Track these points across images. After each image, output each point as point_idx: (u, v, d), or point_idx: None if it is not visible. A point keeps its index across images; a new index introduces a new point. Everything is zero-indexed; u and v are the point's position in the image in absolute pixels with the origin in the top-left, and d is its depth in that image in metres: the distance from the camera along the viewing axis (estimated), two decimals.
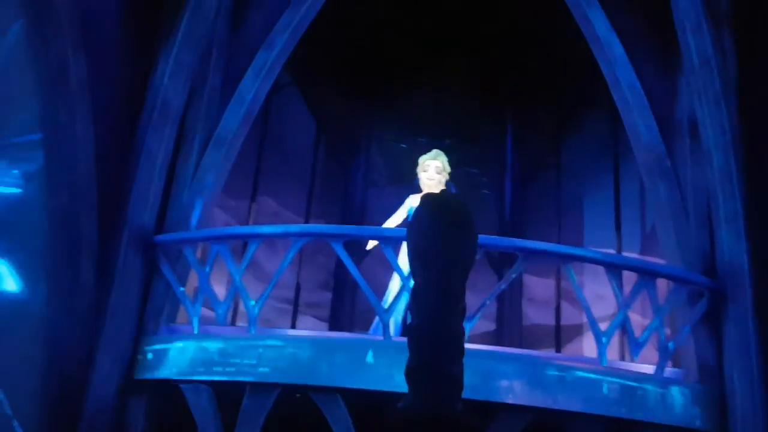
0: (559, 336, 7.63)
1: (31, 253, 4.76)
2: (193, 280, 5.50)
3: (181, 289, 5.02)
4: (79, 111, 4.88)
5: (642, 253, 6.95)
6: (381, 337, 4.54)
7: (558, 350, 7.53)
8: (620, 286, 4.69)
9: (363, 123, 9.23)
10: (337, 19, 8.02)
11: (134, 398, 4.87)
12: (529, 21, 7.99)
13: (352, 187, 9.20)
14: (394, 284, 5.60)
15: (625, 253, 7.09)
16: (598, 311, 5.12)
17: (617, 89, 5.94)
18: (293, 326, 7.70)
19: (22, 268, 4.87)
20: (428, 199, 2.31)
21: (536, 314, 8.25)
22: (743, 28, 5.64)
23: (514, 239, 4.63)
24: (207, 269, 4.87)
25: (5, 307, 5.12)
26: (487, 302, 4.52)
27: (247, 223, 7.70)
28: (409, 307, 2.24)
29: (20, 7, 4.52)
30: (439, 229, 2.07)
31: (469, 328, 4.38)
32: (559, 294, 7.66)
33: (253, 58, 6.04)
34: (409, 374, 2.02)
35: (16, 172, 5.24)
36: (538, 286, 8.59)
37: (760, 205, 5.11)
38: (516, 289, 8.30)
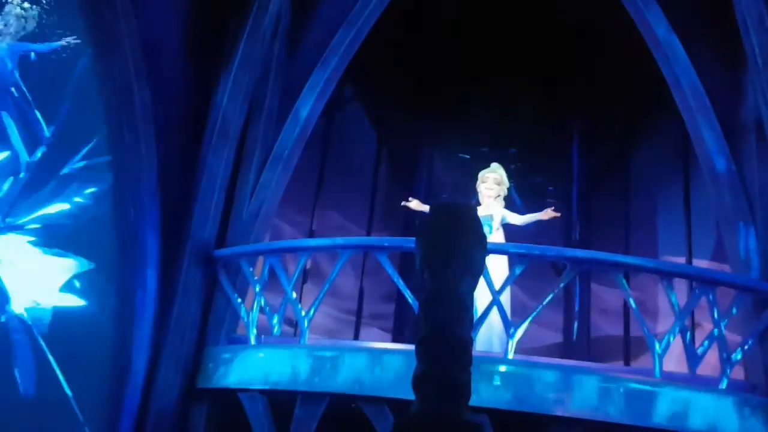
0: (628, 347, 7.38)
1: (100, 267, 5.07)
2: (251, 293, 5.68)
3: (239, 300, 5.20)
4: (143, 134, 5.19)
5: (713, 261, 6.66)
6: None
7: (627, 363, 7.29)
8: (686, 295, 4.54)
9: (425, 134, 9.28)
10: (398, 31, 8.18)
11: (196, 406, 5.08)
12: (595, 27, 7.85)
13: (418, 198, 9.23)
14: None
15: (695, 262, 6.81)
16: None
17: (679, 92, 5.77)
18: (356, 337, 7.80)
19: (92, 282, 5.18)
20: (437, 208, 2.35)
21: (606, 325, 8.02)
22: None
23: (561, 248, 4.57)
24: (261, 281, 5.04)
25: (76, 320, 5.47)
26: (537, 312, 4.44)
27: (312, 237, 7.87)
28: (419, 316, 2.30)
29: (87, 38, 4.85)
30: (447, 238, 2.09)
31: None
32: (625, 304, 7.39)
33: (308, 78, 6.22)
34: (417, 382, 2.06)
35: (87, 191, 5.61)
36: (610, 296, 8.35)
37: None
38: (585, 299, 8.11)
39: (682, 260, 7.01)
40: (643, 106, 8.11)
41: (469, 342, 2.03)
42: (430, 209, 2.25)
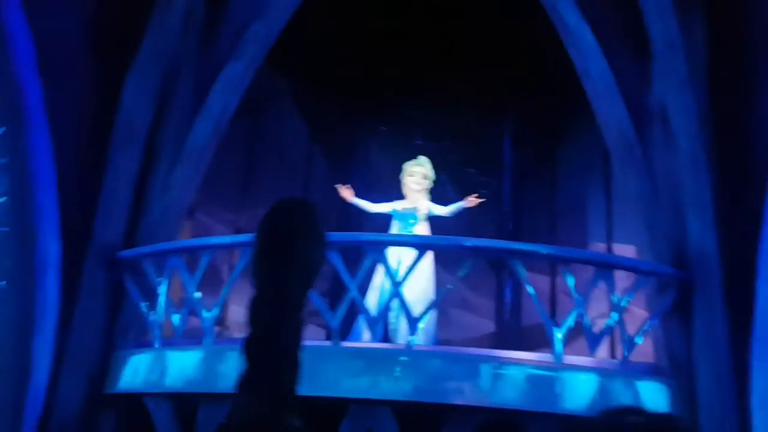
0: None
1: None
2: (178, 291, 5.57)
3: (143, 303, 5.08)
4: (39, 135, 5.02)
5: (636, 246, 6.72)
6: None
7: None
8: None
9: (358, 128, 9.23)
10: (330, 23, 8.10)
11: (103, 412, 4.96)
12: (525, 23, 7.87)
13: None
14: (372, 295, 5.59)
15: (616, 247, 6.88)
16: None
17: (587, 79, 5.80)
18: None
19: None
20: (273, 206, 2.27)
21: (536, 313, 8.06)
22: (714, 10, 5.42)
23: (458, 237, 4.54)
24: (165, 282, 4.93)
25: None
26: (436, 303, 4.41)
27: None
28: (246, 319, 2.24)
29: None
30: (280, 237, 2.03)
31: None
32: (554, 290, 7.44)
33: (221, 71, 6.10)
34: (240, 385, 2.01)
35: None
36: (543, 283, 8.41)
37: (730, 193, 4.90)
38: (516, 286, 8.14)
39: (605, 246, 7.08)
40: (570, 98, 8.17)
41: (295, 345, 1.95)
42: (270, 208, 2.17)
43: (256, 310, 1.96)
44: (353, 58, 8.65)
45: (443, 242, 4.75)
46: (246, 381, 1.92)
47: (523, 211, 8.58)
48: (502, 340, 7.92)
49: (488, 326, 8.59)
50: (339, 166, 9.26)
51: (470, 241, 4.45)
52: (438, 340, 6.59)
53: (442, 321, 8.49)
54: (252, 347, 1.92)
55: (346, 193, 6.05)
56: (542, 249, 4.63)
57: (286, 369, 1.92)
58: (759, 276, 4.62)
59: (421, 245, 4.65)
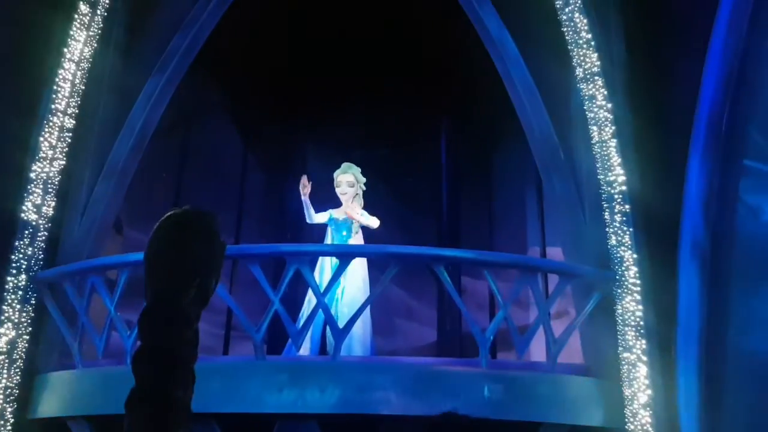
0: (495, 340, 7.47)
1: None
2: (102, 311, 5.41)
3: (64, 322, 4.92)
4: None
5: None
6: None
7: (494, 356, 7.38)
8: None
9: (294, 140, 9.18)
10: (263, 37, 8.04)
11: None
12: (457, 34, 7.95)
13: (289, 203, 9.11)
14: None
15: (549, 250, 6.97)
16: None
17: (511, 87, 5.87)
18: (225, 352, 7.59)
19: None
20: (165, 217, 2.21)
21: (477, 319, 8.11)
22: (630, 8, 5.55)
23: (384, 246, 4.53)
24: (84, 302, 4.79)
25: None
26: (360, 313, 4.38)
27: None
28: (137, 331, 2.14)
29: None
30: (165, 246, 2.05)
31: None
32: (492, 296, 7.48)
33: (143, 86, 5.99)
34: (130, 400, 1.95)
35: None
36: (484, 289, 8.46)
37: (649, 192, 5.01)
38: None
39: (539, 250, 7.17)
40: (503, 105, 8.27)
41: (189, 357, 1.85)
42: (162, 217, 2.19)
43: (146, 322, 1.85)
44: (287, 69, 8.61)
45: (367, 250, 4.72)
46: (137, 397, 1.84)
47: (461, 216, 8.63)
48: (445, 348, 7.93)
49: (431, 335, 8.61)
50: (275, 177, 9.20)
51: (394, 248, 4.44)
52: (380, 350, 6.57)
53: (388, 330, 8.52)
54: (143, 361, 1.84)
55: (305, 188, 5.95)
56: (466, 254, 4.66)
57: (180, 383, 1.82)
58: (680, 271, 4.72)
59: (344, 254, 4.61)
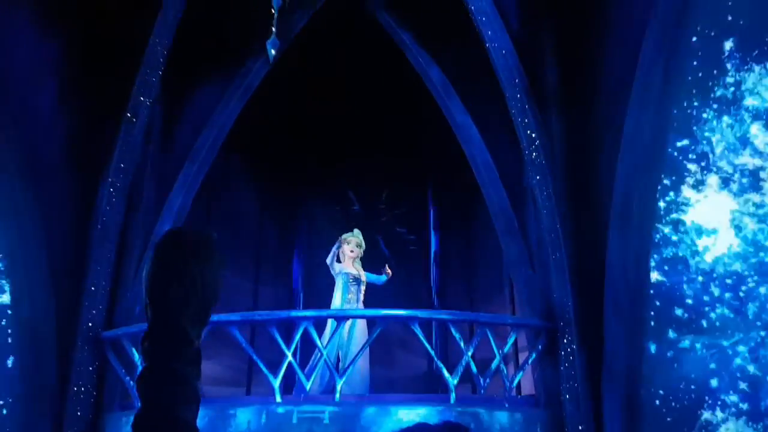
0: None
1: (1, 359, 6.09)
2: None
3: (124, 372, 6.27)
4: (32, 241, 6.25)
5: None
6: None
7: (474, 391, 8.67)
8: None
9: (303, 197, 10.59)
10: (276, 112, 9.46)
11: None
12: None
13: (299, 252, 10.51)
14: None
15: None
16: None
17: (474, 165, 7.22)
18: (249, 385, 8.90)
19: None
20: (164, 235, 2.17)
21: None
22: (569, 109, 6.89)
23: (371, 309, 5.84)
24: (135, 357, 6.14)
25: None
26: (354, 360, 5.70)
27: None
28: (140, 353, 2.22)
29: None
30: (171, 266, 2.00)
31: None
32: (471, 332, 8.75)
33: (179, 173, 7.40)
34: (137, 421, 1.93)
35: None
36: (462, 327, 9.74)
37: (581, 256, 6.32)
38: (441, 328, 9.43)
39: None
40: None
41: (192, 377, 1.91)
42: (162, 237, 2.10)
43: (147, 343, 1.93)
44: (298, 138, 10.04)
45: (358, 313, 6.05)
46: (142, 419, 1.88)
47: (446, 262, 9.96)
48: (434, 376, 9.22)
49: (424, 364, 9.89)
50: (287, 233, 10.59)
51: (380, 312, 5.78)
52: (380, 380, 7.84)
53: (386, 360, 9.82)
54: (146, 382, 1.90)
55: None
56: (435, 314, 6.03)
57: (183, 402, 1.88)
58: (605, 322, 6.02)
59: (340, 317, 5.97)
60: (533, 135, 6.66)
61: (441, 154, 9.74)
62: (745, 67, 5.15)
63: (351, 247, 7.55)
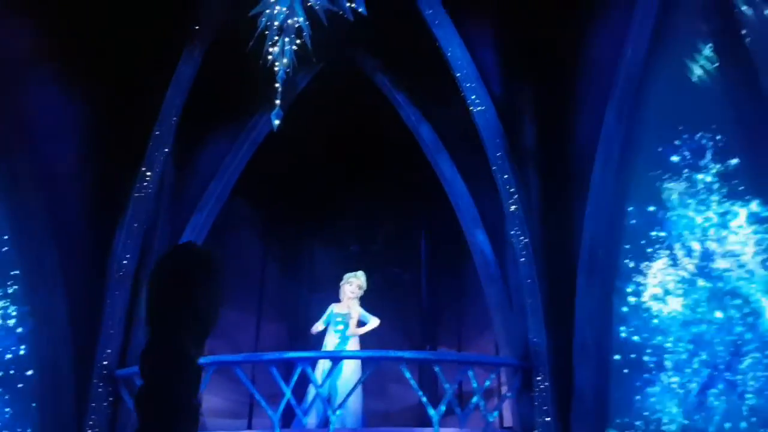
0: None
1: (24, 394, 6.69)
2: None
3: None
4: (53, 285, 6.89)
5: None
6: None
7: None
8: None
9: (303, 238, 11.22)
10: (277, 161, 10.12)
11: None
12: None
13: (301, 292, 11.11)
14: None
15: None
16: None
17: (460, 214, 7.87)
18: (250, 417, 9.45)
19: (20, 412, 6.74)
20: (166, 254, 2.20)
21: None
22: (545, 166, 7.54)
23: (362, 351, 6.44)
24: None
25: None
26: (346, 399, 6.29)
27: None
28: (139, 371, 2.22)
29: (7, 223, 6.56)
30: (166, 284, 2.00)
31: None
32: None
33: (189, 221, 8.05)
34: None
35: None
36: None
37: (555, 301, 6.94)
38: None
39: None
40: None
41: (191, 395, 1.91)
42: (163, 255, 2.09)
43: (147, 361, 1.91)
44: (300, 185, 10.71)
45: (350, 354, 6.65)
46: None
47: (437, 300, 10.57)
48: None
49: (414, 397, 10.42)
50: (288, 273, 11.21)
51: (370, 353, 6.39)
52: (374, 411, 8.36)
53: (380, 393, 10.35)
54: (145, 401, 1.87)
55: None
56: (419, 355, 6.66)
57: (181, 421, 1.86)
58: (575, 363, 6.61)
59: (335, 358, 6.58)
60: (512, 189, 7.30)
61: (432, 202, 10.40)
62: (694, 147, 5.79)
63: (352, 288, 8.01)
